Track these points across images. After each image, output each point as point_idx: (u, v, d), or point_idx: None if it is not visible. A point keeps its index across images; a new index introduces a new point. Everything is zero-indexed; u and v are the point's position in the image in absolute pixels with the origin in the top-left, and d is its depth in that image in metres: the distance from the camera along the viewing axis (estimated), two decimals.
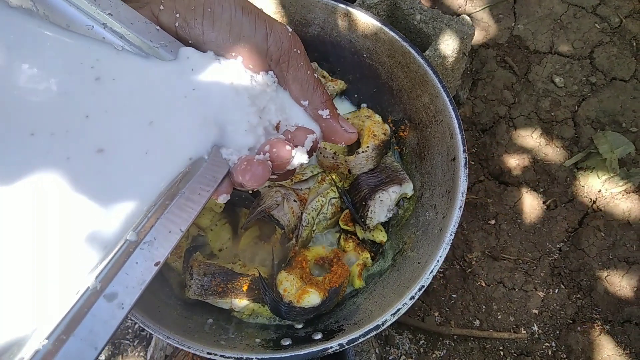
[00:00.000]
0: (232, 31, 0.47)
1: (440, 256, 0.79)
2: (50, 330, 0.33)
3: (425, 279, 0.78)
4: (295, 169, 0.49)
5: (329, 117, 0.53)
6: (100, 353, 0.33)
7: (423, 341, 1.20)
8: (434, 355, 1.19)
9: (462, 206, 0.82)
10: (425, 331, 1.20)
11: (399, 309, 0.76)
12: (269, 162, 0.46)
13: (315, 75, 0.53)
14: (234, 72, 0.48)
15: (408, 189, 0.91)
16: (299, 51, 0.51)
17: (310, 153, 0.50)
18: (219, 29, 0.47)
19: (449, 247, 0.80)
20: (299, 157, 0.47)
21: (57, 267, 0.36)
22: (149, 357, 1.19)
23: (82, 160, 0.38)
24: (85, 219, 0.37)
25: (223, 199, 0.46)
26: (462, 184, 0.83)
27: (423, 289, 0.78)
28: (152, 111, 0.42)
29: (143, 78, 0.43)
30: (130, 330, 1.20)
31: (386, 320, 0.75)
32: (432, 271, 0.78)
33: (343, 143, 0.55)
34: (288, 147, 0.46)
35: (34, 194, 0.36)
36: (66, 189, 0.37)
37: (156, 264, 0.38)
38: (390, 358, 1.20)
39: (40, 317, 0.35)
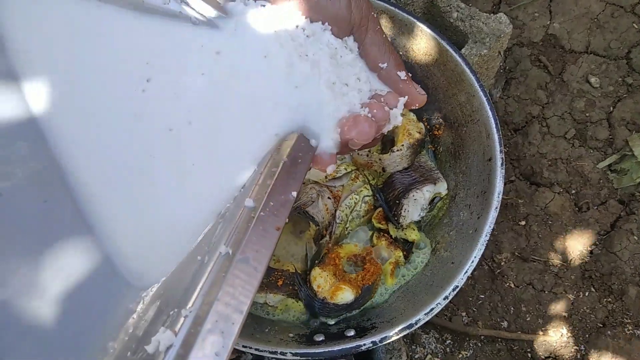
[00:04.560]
0: None
1: (475, 257, 0.79)
2: (192, 298, 0.34)
3: (460, 280, 0.78)
4: (382, 136, 0.51)
5: (405, 78, 0.54)
6: (245, 317, 0.33)
7: (450, 341, 1.20)
8: (460, 355, 1.19)
9: (498, 207, 0.82)
10: (452, 331, 1.19)
11: (432, 309, 0.76)
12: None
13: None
14: (324, 38, 0.50)
15: (442, 188, 0.91)
16: (375, 14, 0.52)
17: None
18: None
19: (484, 247, 0.80)
20: (395, 119, 0.50)
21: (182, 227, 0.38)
22: None
23: (192, 131, 0.40)
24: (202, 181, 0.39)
25: (331, 169, 0.48)
26: (499, 185, 0.83)
27: (457, 289, 0.78)
28: (252, 82, 0.44)
29: (238, 49, 0.45)
30: None
31: (419, 319, 0.76)
32: (466, 271, 0.78)
33: (417, 105, 0.55)
34: (386, 108, 0.48)
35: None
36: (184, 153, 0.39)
37: (277, 229, 0.38)
38: (416, 357, 1.20)
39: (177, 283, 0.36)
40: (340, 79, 0.49)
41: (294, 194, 0.39)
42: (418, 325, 0.76)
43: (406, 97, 0.53)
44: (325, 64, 0.47)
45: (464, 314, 1.21)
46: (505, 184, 1.28)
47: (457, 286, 0.77)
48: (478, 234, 0.81)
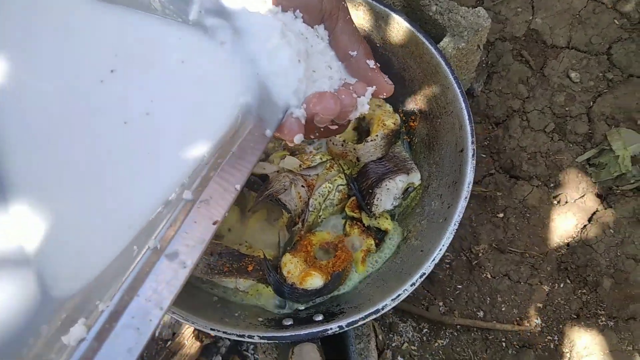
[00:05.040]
0: None
1: (443, 245, 0.81)
2: (113, 292, 0.33)
3: (427, 267, 0.79)
4: (348, 122, 0.52)
5: (374, 67, 0.55)
6: (165, 313, 0.33)
7: (426, 330, 1.22)
8: (436, 344, 1.21)
9: (468, 197, 0.83)
10: (428, 320, 1.21)
11: (399, 295, 0.78)
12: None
13: None
14: (295, 27, 0.50)
15: (415, 178, 0.92)
16: (345, 3, 0.53)
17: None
18: None
19: (452, 236, 0.81)
20: (362, 107, 0.50)
21: (112, 222, 0.37)
22: (156, 334, 1.23)
23: (134, 121, 0.40)
24: (137, 175, 0.38)
25: (298, 138, 0.47)
26: (469, 175, 0.84)
27: (424, 276, 0.79)
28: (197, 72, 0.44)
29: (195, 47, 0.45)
30: None
31: (386, 305, 0.77)
32: (434, 259, 0.80)
33: (384, 94, 0.56)
34: (354, 95, 0.49)
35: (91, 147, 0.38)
36: (122, 145, 0.39)
37: (214, 223, 0.37)
38: (393, 345, 1.22)
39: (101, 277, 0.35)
40: (311, 67, 0.50)
41: (238, 187, 0.39)
42: (385, 310, 0.77)
43: (374, 86, 0.54)
44: (296, 39, 0.48)
45: (441, 303, 1.23)
46: (484, 177, 1.30)
47: (424, 273, 0.79)
48: (447, 222, 0.82)
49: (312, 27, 0.53)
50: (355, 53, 0.54)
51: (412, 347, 1.21)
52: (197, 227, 0.36)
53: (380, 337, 1.23)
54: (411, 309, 1.22)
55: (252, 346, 1.20)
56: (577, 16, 1.36)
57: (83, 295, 0.35)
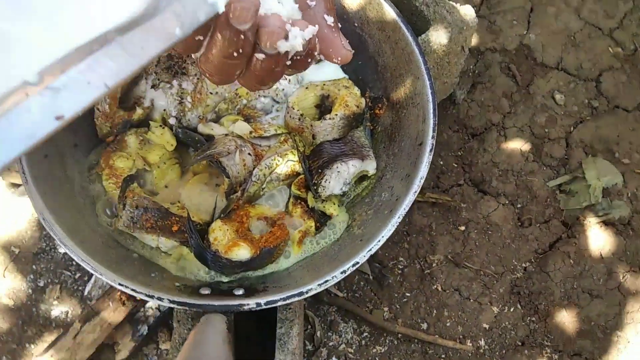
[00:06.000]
0: None
1: (383, 236, 0.76)
2: None
3: (362, 256, 0.75)
4: (281, 62, 0.44)
5: (332, 24, 0.49)
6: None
7: (367, 334, 1.17)
8: (374, 350, 1.15)
9: (417, 191, 0.79)
10: (370, 324, 1.16)
11: (327, 281, 0.73)
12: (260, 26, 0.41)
13: None
14: None
15: (370, 166, 0.87)
16: None
17: (307, 51, 0.45)
18: None
19: (394, 229, 0.76)
20: (294, 39, 0.42)
21: None
22: (86, 292, 1.17)
23: None
24: None
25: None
26: (423, 170, 0.80)
27: (357, 265, 0.74)
28: None
29: None
30: (73, 263, 1.18)
31: (311, 289, 0.72)
32: (370, 249, 0.75)
33: (339, 59, 0.50)
34: (288, 26, 0.42)
35: None
36: None
37: (58, 118, 0.30)
38: (330, 343, 1.17)
39: None
40: None
41: (109, 83, 0.31)
42: (308, 294, 0.72)
43: (316, 28, 0.48)
44: None
45: (386, 309, 1.18)
46: (452, 187, 1.26)
47: (357, 262, 0.74)
48: (392, 215, 0.77)
49: None
50: (313, 3, 0.49)
51: (350, 350, 1.16)
52: (30, 118, 0.29)
53: (318, 333, 1.18)
54: (355, 309, 1.16)
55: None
56: (572, 38, 1.32)
57: None
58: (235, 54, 0.42)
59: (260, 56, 0.43)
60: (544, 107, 1.27)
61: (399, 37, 0.87)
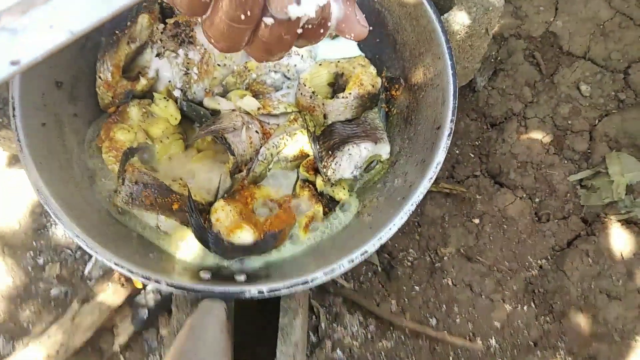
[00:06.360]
0: None
1: (394, 224, 0.71)
2: None
3: (371, 245, 0.70)
4: (292, 30, 0.40)
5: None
6: None
7: (373, 327, 1.12)
8: (380, 344, 1.11)
9: (434, 178, 0.74)
10: (377, 317, 1.12)
11: (334, 269, 0.69)
12: None
13: None
14: None
15: (383, 150, 0.83)
16: None
17: (319, 20, 0.41)
18: None
19: (406, 217, 0.72)
20: (306, 4, 0.37)
21: None
22: (86, 272, 1.14)
23: None
24: None
25: None
26: (440, 155, 0.75)
27: (366, 255, 0.70)
28: None
29: None
30: (74, 240, 1.14)
31: (317, 277, 0.68)
32: (380, 238, 0.70)
33: (352, 35, 0.45)
34: None
35: None
36: None
37: (14, 63, 0.27)
38: (335, 336, 1.12)
39: None
40: None
41: (75, 30, 0.27)
42: (314, 283, 0.68)
43: (344, 24, 0.43)
44: None
45: (393, 302, 1.13)
46: (467, 177, 1.20)
47: (366, 251, 0.69)
48: (405, 202, 0.73)
49: None
50: None
51: (355, 343, 1.12)
52: None
53: (323, 324, 1.14)
54: (361, 301, 1.12)
55: None
56: (601, 27, 1.26)
57: None
58: (242, 17, 0.38)
59: (269, 21, 0.39)
60: (568, 98, 1.21)
61: (420, 14, 0.82)
